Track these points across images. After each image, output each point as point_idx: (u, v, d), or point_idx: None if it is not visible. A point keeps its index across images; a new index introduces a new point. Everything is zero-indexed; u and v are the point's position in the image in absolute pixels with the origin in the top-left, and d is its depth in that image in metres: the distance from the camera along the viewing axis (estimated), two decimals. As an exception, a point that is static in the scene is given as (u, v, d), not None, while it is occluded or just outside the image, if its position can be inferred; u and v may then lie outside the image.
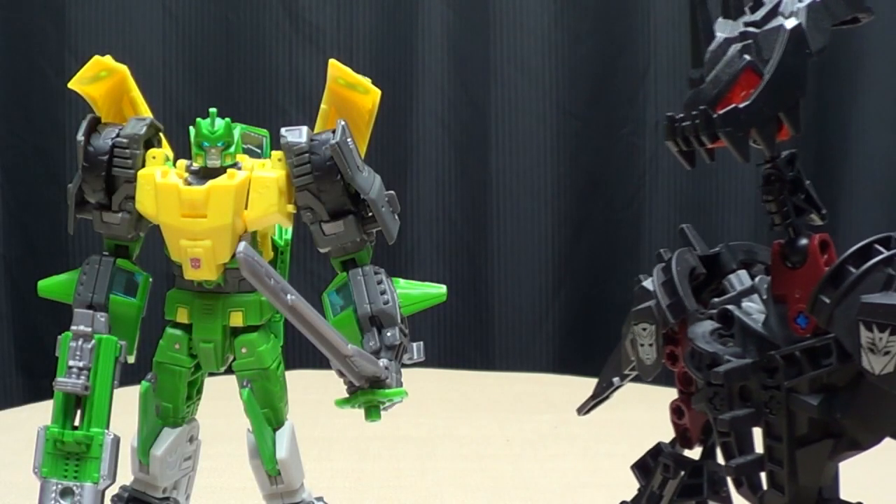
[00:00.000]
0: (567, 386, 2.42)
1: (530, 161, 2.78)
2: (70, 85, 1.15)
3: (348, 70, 1.15)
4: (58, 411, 1.13)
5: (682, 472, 1.09)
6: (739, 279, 1.05)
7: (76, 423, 1.14)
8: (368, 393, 1.10)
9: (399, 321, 1.14)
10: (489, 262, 2.80)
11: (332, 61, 1.15)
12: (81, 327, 1.14)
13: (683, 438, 1.10)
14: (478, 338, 2.81)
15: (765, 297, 0.97)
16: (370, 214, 1.14)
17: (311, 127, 1.16)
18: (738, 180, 2.78)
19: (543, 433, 2.07)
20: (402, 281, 1.18)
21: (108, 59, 1.16)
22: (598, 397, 1.23)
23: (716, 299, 1.03)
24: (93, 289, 1.16)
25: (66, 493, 1.12)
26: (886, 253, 0.85)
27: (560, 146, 2.78)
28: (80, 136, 1.14)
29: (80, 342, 1.13)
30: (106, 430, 1.13)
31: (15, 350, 2.69)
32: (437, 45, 2.73)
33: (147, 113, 1.18)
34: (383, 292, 1.15)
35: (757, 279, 1.03)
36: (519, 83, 2.75)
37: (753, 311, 0.98)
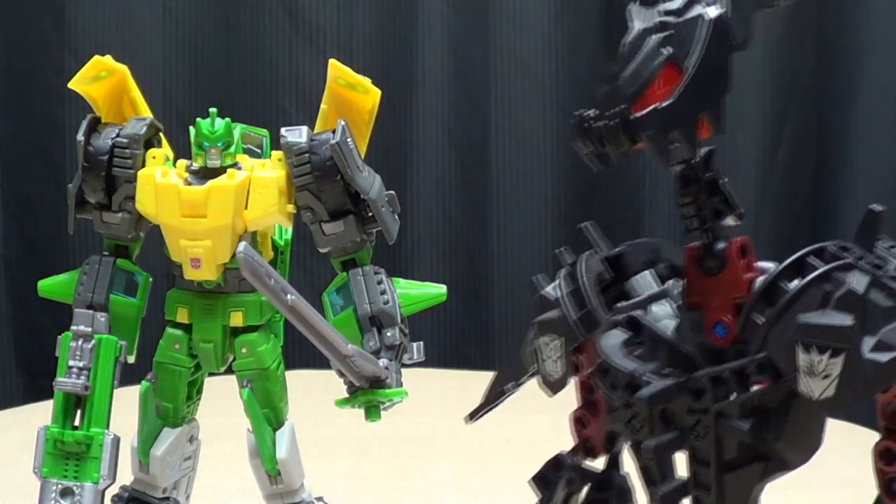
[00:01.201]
0: (567, 386, 2.40)
1: (530, 161, 2.77)
2: (70, 85, 1.15)
3: (348, 70, 1.15)
4: (58, 411, 1.13)
5: (588, 486, 1.03)
6: (644, 281, 0.97)
7: (76, 423, 1.14)
8: (368, 393, 1.11)
9: (399, 321, 1.15)
10: (489, 262, 2.79)
11: (332, 61, 1.16)
12: (81, 327, 1.14)
13: (587, 448, 1.03)
14: (478, 338, 2.81)
15: (678, 302, 0.90)
16: (370, 214, 1.14)
17: (311, 127, 1.16)
18: (737, 181, 2.76)
19: (543, 433, 2.06)
20: (402, 281, 1.18)
21: (108, 59, 1.16)
22: (489, 405, 1.16)
23: (622, 303, 0.95)
24: (93, 289, 1.16)
25: (66, 493, 1.12)
26: (822, 268, 0.79)
27: (560, 146, 2.78)
28: (80, 136, 1.14)
29: (80, 342, 1.13)
30: (106, 430, 1.13)
31: (15, 350, 2.69)
32: (437, 45, 2.72)
33: (147, 113, 1.18)
34: (383, 292, 1.15)
35: (670, 283, 0.96)
36: (519, 83, 2.75)
37: (662, 316, 0.92)
